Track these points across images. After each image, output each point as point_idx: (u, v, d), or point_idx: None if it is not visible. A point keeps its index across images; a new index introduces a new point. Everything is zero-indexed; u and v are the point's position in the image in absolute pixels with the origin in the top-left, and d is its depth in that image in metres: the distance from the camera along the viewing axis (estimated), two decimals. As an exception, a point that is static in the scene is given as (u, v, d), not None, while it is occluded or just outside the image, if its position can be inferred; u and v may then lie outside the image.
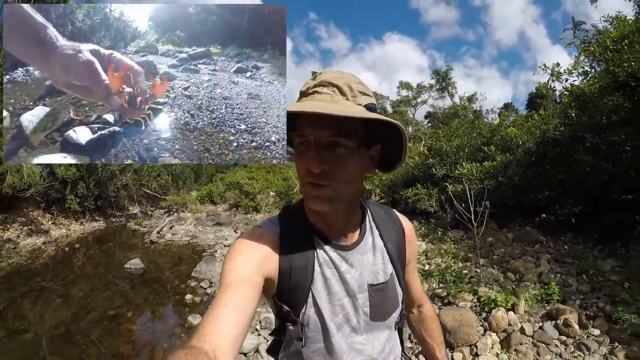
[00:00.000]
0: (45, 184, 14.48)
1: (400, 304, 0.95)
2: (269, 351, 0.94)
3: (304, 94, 0.79)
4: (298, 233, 0.85)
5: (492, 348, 3.29)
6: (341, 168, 0.75)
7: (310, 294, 0.82)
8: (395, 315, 0.94)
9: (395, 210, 1.07)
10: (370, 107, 0.78)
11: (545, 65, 5.70)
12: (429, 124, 28.69)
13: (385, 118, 0.74)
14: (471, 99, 19.37)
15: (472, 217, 4.70)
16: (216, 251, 9.73)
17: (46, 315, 6.53)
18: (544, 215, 6.82)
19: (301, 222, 0.88)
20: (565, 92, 5.57)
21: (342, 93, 0.77)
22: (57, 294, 7.56)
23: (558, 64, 5.54)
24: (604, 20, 5.14)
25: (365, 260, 0.89)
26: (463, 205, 5.03)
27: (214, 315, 0.65)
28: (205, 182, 24.65)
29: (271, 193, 17.86)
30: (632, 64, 4.40)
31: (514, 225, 6.87)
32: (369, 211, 0.98)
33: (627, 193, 4.88)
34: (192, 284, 6.99)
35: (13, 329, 5.92)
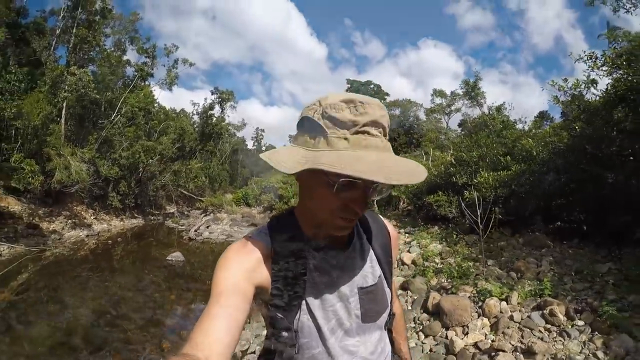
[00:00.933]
0: (89, 181, 15.40)
1: (389, 305, 0.97)
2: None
3: (347, 127, 0.72)
4: (289, 242, 0.85)
5: (481, 329, 3.81)
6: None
7: (303, 301, 0.83)
8: (384, 316, 0.95)
9: (380, 216, 1.11)
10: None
11: (553, 81, 6.07)
12: (462, 132, 28.65)
13: (415, 179, 0.70)
14: (499, 109, 19.48)
15: (479, 221, 5.21)
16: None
17: (96, 296, 7.16)
18: (558, 223, 7.14)
19: (291, 231, 0.87)
20: (574, 106, 5.91)
21: (385, 134, 0.76)
22: (103, 279, 8.27)
23: (565, 79, 5.90)
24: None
25: (355, 264, 0.91)
26: (478, 211, 5.43)
27: (206, 323, 0.66)
28: (240, 184, 25.58)
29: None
30: (630, 78, 4.80)
31: (527, 231, 7.22)
32: None
33: (629, 201, 5.18)
34: (228, 275, 7.67)
35: (68, 305, 6.59)
